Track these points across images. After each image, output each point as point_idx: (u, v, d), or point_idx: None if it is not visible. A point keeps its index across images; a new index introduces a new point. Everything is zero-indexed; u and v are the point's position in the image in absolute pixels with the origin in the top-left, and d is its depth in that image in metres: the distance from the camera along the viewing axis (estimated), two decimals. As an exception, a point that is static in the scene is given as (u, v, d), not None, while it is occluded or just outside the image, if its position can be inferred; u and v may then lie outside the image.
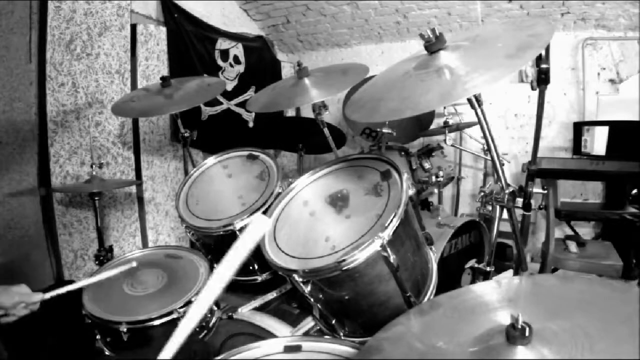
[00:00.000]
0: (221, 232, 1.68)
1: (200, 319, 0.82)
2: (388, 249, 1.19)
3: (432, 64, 1.15)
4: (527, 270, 1.50)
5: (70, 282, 2.24)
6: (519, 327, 0.62)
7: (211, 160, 2.01)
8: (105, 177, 2.55)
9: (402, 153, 2.60)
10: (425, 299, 1.39)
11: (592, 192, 2.83)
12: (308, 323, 1.59)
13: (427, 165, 2.61)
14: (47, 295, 1.13)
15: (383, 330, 0.81)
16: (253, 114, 3.91)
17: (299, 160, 2.82)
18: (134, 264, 1.41)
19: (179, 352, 0.78)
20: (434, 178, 2.48)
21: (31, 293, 1.09)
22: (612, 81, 3.26)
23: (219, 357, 1.11)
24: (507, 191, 1.29)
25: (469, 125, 2.91)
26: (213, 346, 1.54)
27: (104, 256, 2.03)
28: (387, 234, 1.19)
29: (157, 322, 1.45)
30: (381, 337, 0.80)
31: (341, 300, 1.33)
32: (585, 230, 3.30)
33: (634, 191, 2.56)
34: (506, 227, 1.44)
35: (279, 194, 1.63)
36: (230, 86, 3.69)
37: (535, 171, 1.40)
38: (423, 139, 3.66)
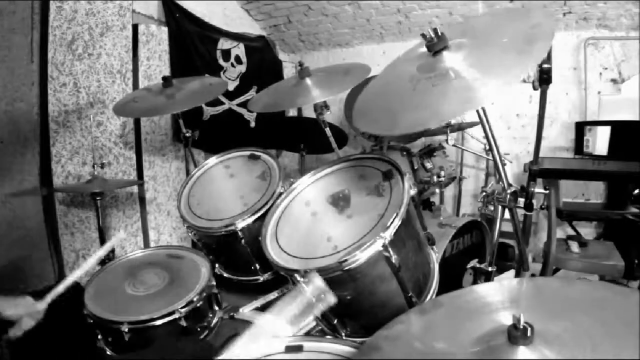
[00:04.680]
0: (223, 232, 1.69)
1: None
2: (390, 249, 1.19)
3: (438, 66, 1.12)
4: (528, 271, 1.50)
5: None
6: (521, 327, 0.62)
7: (213, 160, 2.01)
8: (107, 177, 2.54)
9: (404, 153, 2.60)
10: (427, 299, 1.39)
11: (594, 192, 2.81)
12: (309, 323, 1.58)
13: (428, 165, 2.61)
14: (48, 299, 1.12)
15: (383, 329, 0.81)
16: (255, 114, 3.90)
17: (301, 160, 2.82)
18: (123, 235, 1.39)
19: (179, 353, 0.78)
20: (435, 178, 2.47)
21: (35, 303, 1.09)
22: (614, 81, 3.25)
23: (219, 357, 1.11)
24: (508, 191, 1.29)
25: (471, 125, 2.91)
26: (214, 346, 1.54)
27: (105, 256, 2.03)
28: (388, 234, 1.19)
29: (158, 322, 1.46)
30: (381, 336, 0.80)
31: (343, 300, 1.32)
32: (587, 231, 3.29)
33: (636, 191, 2.55)
34: (508, 227, 1.44)
35: (281, 194, 1.63)
36: (231, 86, 3.69)
37: (537, 171, 1.40)
38: (425, 139, 3.65)
